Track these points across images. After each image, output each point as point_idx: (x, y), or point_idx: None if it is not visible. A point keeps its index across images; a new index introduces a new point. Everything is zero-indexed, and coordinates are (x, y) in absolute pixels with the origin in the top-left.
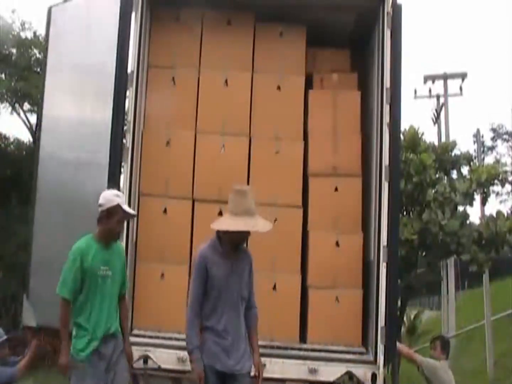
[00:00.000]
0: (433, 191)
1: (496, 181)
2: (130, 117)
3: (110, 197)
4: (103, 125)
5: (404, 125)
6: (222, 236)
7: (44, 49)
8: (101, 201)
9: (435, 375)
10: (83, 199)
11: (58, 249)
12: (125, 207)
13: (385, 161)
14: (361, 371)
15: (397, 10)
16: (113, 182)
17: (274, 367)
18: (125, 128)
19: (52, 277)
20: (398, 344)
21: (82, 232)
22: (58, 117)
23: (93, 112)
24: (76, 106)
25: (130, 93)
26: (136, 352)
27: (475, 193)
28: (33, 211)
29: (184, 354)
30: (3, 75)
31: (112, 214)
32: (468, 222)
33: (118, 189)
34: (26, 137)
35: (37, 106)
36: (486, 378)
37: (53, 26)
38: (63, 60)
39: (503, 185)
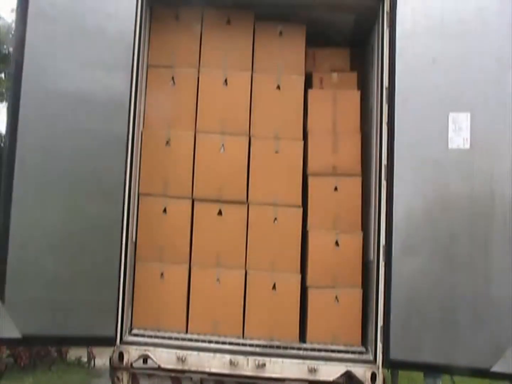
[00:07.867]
0: None
1: None
2: (130, 116)
3: None
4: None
5: None
6: None
7: None
8: None
9: None
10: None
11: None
12: None
13: (385, 160)
14: (361, 371)
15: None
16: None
17: (274, 367)
18: None
19: (38, 277)
20: None
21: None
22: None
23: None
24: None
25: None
26: (136, 351)
27: None
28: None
29: (183, 353)
30: (3, 75)
31: None
32: None
33: (124, 189)
34: None
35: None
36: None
37: None
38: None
39: None
